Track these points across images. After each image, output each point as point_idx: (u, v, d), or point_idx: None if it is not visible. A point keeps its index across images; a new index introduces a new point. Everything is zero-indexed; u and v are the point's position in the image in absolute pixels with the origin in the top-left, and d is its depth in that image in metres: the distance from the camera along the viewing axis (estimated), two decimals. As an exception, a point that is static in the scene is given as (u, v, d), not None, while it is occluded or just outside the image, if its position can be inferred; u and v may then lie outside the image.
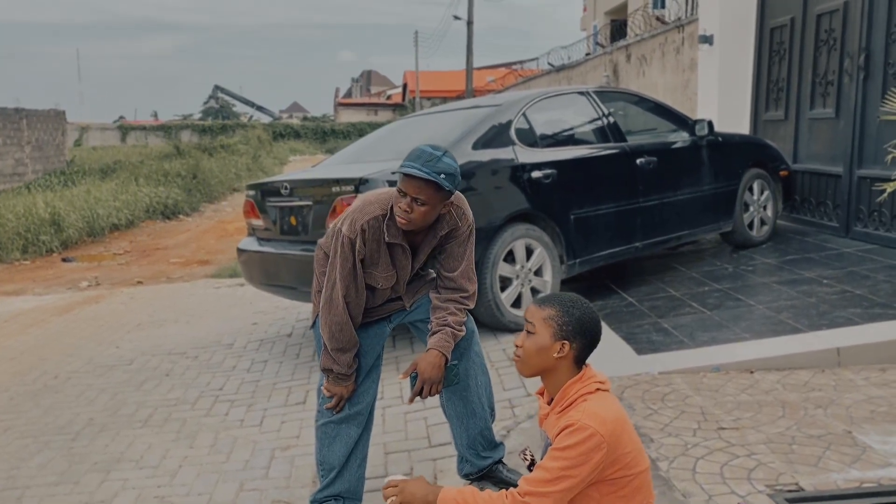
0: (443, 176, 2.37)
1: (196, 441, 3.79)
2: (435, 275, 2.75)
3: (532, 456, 2.08)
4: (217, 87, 72.22)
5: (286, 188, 4.70)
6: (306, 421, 3.84)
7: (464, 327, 2.64)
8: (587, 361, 1.96)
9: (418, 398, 2.53)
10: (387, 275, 2.58)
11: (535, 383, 2.82)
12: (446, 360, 2.54)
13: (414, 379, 2.51)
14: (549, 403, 1.99)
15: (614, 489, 1.84)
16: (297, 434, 3.73)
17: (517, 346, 1.96)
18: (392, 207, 2.49)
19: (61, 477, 3.50)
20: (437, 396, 2.65)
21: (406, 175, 2.39)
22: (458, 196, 2.60)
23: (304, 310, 6.11)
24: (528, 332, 1.92)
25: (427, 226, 2.52)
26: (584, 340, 1.92)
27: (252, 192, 5.10)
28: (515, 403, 3.59)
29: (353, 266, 2.51)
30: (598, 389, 1.90)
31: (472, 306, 2.68)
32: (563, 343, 1.89)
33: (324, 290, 2.57)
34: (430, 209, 2.43)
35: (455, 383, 2.60)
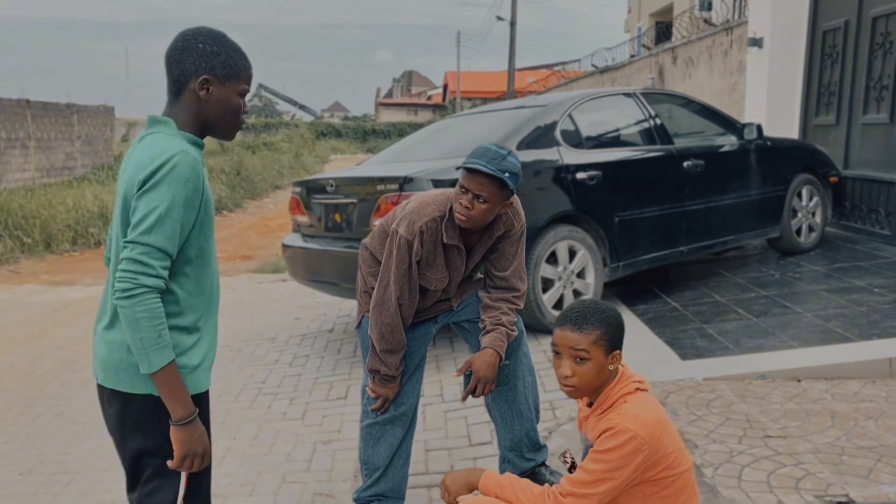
0: (507, 175, 2.36)
1: (239, 432, 3.84)
2: (482, 276, 2.74)
3: (573, 458, 2.07)
4: (260, 86, 73.12)
5: (332, 185, 4.74)
6: (347, 416, 3.87)
7: (515, 327, 2.62)
8: (623, 362, 1.95)
9: (470, 396, 2.53)
10: (440, 276, 2.56)
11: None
12: (500, 359, 2.53)
13: (468, 377, 2.50)
14: (588, 406, 1.98)
15: (657, 489, 1.84)
16: (338, 429, 3.77)
17: (567, 377, 1.89)
18: (450, 209, 2.47)
19: (109, 463, 3.57)
20: (483, 397, 2.64)
21: (470, 171, 2.37)
22: (514, 196, 2.59)
23: (345, 306, 6.17)
24: (581, 358, 1.87)
25: (485, 225, 2.50)
26: (622, 341, 1.92)
27: (298, 189, 5.16)
28: (556, 405, 3.57)
29: (408, 268, 2.48)
30: (637, 389, 1.89)
31: (522, 306, 2.66)
32: (615, 354, 1.89)
33: (376, 292, 2.54)
34: (492, 207, 2.41)
35: (506, 383, 2.59)
